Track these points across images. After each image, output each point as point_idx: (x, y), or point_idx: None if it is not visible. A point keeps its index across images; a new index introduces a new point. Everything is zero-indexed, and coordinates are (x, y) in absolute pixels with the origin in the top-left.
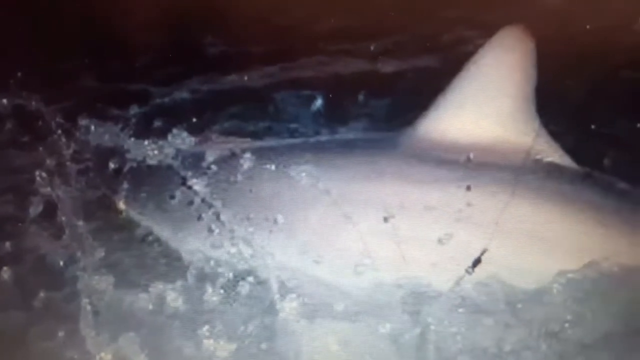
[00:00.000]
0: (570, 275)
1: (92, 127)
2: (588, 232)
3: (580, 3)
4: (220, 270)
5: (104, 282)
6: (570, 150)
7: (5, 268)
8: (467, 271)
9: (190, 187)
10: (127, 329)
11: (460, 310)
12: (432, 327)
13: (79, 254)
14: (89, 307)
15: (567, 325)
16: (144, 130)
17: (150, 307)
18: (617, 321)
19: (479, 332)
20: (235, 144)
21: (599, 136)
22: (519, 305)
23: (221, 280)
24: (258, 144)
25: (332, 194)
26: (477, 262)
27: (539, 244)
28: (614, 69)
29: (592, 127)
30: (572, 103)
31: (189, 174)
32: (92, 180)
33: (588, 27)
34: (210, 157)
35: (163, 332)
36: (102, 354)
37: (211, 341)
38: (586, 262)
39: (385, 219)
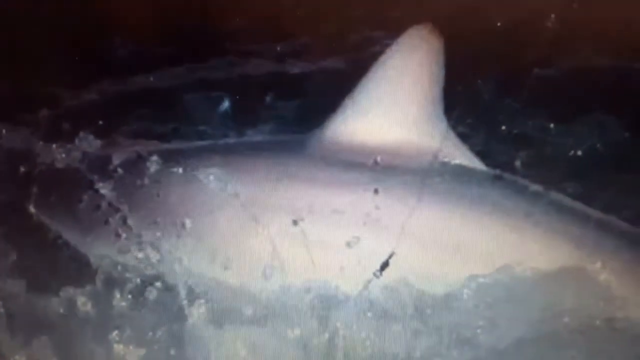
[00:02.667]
0: (481, 280)
1: (3, 131)
2: (498, 236)
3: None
4: (128, 275)
5: (17, 286)
6: (479, 152)
7: None
8: (375, 275)
9: (97, 191)
10: (40, 332)
11: (369, 314)
12: (341, 332)
13: None
14: (2, 311)
15: (478, 331)
16: (53, 134)
17: (62, 311)
18: (530, 327)
19: (388, 338)
20: (142, 146)
21: (510, 137)
22: (428, 311)
23: (129, 286)
24: (165, 146)
25: (240, 197)
26: (384, 265)
27: (448, 248)
28: (525, 68)
29: (503, 128)
30: (482, 103)
31: (96, 177)
32: (3, 184)
33: (499, 24)
34: (116, 160)
35: (75, 336)
36: (16, 357)
37: (121, 346)
38: (497, 267)
39: (294, 222)
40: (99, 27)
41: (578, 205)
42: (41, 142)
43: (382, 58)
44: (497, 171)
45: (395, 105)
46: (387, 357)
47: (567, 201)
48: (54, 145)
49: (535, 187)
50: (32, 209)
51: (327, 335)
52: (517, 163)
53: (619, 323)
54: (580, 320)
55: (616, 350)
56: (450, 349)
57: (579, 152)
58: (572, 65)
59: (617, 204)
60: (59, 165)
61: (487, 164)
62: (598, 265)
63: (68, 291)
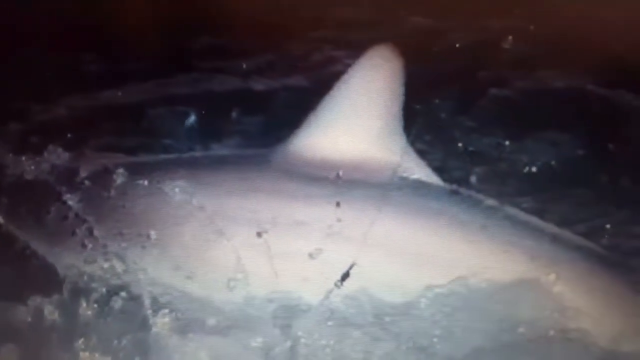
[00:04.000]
0: (437, 290)
1: None
2: (454, 247)
3: (449, 21)
4: (94, 285)
5: None
6: (437, 167)
7: None
8: (336, 285)
9: (65, 202)
10: (7, 340)
11: (330, 323)
12: (303, 340)
13: None
14: None
15: (435, 339)
16: (22, 147)
17: (30, 319)
18: (486, 337)
19: (348, 345)
20: (109, 159)
21: (466, 154)
22: (387, 319)
23: (95, 295)
24: (131, 159)
25: (206, 209)
26: (345, 276)
27: (406, 258)
28: (482, 87)
29: (459, 144)
30: (440, 121)
31: (64, 189)
32: None
33: (457, 45)
34: (83, 172)
35: (41, 344)
36: None
37: (87, 354)
38: (453, 278)
39: (259, 234)
40: (68, 42)
41: (532, 219)
42: (11, 154)
43: (345, 76)
44: (454, 186)
45: (357, 121)
46: None
47: (522, 215)
48: (23, 158)
49: (491, 201)
50: (0, 219)
51: (289, 344)
52: (473, 178)
53: (572, 333)
54: (535, 330)
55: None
56: (408, 356)
57: (533, 169)
58: (527, 85)
59: (571, 218)
60: (28, 176)
61: (444, 179)
62: (552, 277)
63: (36, 300)
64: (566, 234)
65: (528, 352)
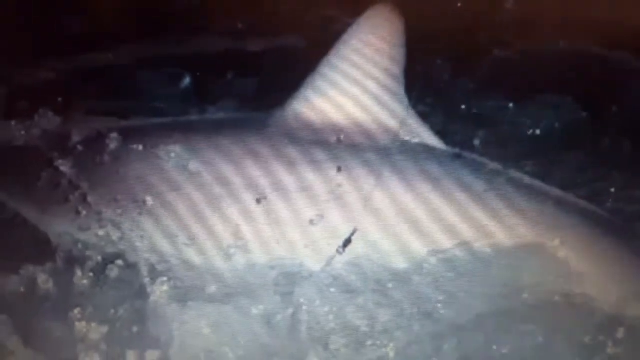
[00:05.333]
0: (440, 255)
1: None
2: (457, 212)
3: None
4: (88, 253)
5: None
6: (439, 131)
7: None
8: (337, 251)
9: (56, 168)
10: None
11: (332, 290)
12: (305, 307)
13: None
14: None
15: (439, 305)
16: (10, 111)
17: (22, 289)
18: (490, 302)
19: (351, 312)
20: (102, 123)
21: (469, 117)
22: (390, 285)
23: (90, 263)
24: (125, 123)
25: (203, 175)
26: (347, 242)
27: (408, 224)
28: (485, 48)
29: (462, 107)
30: (442, 83)
31: (56, 154)
32: None
33: (459, 4)
34: (76, 137)
35: (35, 314)
36: None
37: (83, 324)
38: (456, 243)
39: (258, 201)
40: (51, 3)
41: (536, 183)
42: None
43: (344, 37)
44: (457, 150)
45: (357, 83)
46: (349, 330)
47: (526, 179)
48: (12, 122)
49: (494, 165)
50: None
51: (290, 311)
52: (476, 142)
53: (576, 298)
54: (539, 295)
55: (574, 325)
56: (412, 322)
57: (537, 132)
58: (530, 47)
59: (575, 182)
60: (18, 142)
61: (446, 143)
62: (556, 241)
63: (28, 269)
64: (570, 197)
65: (531, 317)
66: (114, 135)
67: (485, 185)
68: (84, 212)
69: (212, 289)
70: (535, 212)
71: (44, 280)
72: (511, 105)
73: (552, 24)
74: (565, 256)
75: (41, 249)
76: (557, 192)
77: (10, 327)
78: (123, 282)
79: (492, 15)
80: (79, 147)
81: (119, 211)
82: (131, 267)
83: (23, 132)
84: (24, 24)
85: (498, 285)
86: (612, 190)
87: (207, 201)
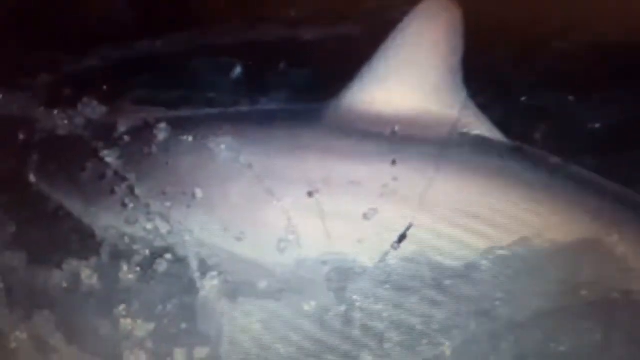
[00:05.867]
0: (499, 252)
1: (0, 96)
2: (517, 208)
3: None
4: (136, 247)
5: (16, 259)
6: (499, 123)
7: None
8: (392, 247)
9: (102, 159)
10: (41, 307)
11: (386, 286)
12: (358, 304)
13: None
14: (0, 285)
15: (497, 303)
16: (53, 100)
17: (65, 284)
18: (548, 299)
19: (406, 309)
20: (149, 113)
21: (530, 108)
22: (447, 282)
23: (137, 258)
24: (173, 113)
25: (254, 168)
26: (402, 237)
27: (467, 219)
28: (545, 39)
29: (523, 99)
30: (502, 74)
31: (101, 145)
32: (1, 152)
33: None
34: (122, 127)
35: (79, 310)
36: (17, 333)
37: (128, 320)
38: (516, 239)
39: (310, 194)
40: None
41: (596, 178)
42: (42, 108)
43: (401, 25)
44: (517, 143)
45: (414, 73)
46: (404, 328)
47: (585, 174)
48: (55, 111)
49: (554, 159)
50: (32, 179)
51: (343, 308)
52: (537, 135)
53: (636, 295)
54: (597, 292)
55: (633, 322)
56: (468, 320)
57: (598, 125)
58: (590, 39)
59: (635, 177)
60: (61, 132)
61: (506, 135)
62: (615, 237)
63: (71, 264)
64: (630, 193)
65: (590, 314)
66: (162, 125)
67: (546, 180)
68: (131, 205)
69: (263, 284)
70: (594, 208)
71: (88, 276)
72: (571, 98)
73: (615, 16)
74: (624, 252)
75: (85, 243)
76: (616, 187)
77: (53, 323)
78: (171, 277)
79: (554, 5)
80: (126, 138)
81: (168, 204)
82: (180, 261)
83: (66, 122)
84: (70, 10)
85: (556, 282)
86: None
87: (258, 194)
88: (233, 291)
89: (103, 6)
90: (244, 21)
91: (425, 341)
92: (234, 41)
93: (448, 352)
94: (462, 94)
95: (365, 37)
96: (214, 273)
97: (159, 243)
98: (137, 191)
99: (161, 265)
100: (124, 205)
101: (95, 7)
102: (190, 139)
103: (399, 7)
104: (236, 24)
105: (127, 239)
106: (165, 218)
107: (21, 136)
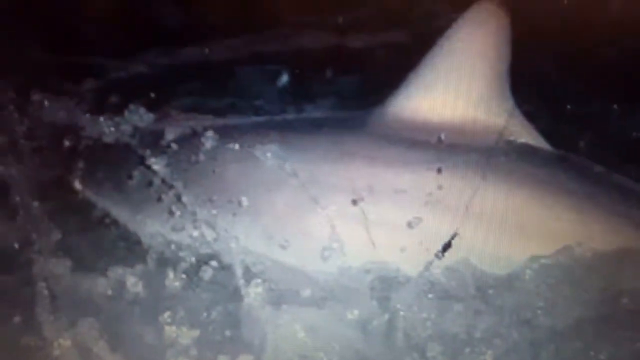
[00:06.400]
0: (542, 260)
1: (46, 102)
2: (561, 217)
3: None
4: (182, 254)
5: (61, 266)
6: (544, 131)
7: None
8: (436, 256)
9: (149, 167)
10: (85, 314)
11: (430, 295)
12: (401, 313)
13: (34, 236)
14: (45, 292)
15: (538, 311)
16: (99, 106)
17: (110, 292)
18: (589, 308)
19: (449, 318)
20: (197, 121)
21: (575, 117)
22: (490, 291)
23: (183, 265)
24: (221, 121)
25: (299, 175)
26: (447, 246)
27: (511, 228)
28: (591, 48)
29: (568, 107)
30: (548, 83)
31: (148, 152)
32: (47, 158)
33: (565, 2)
34: (169, 135)
35: (123, 317)
36: (61, 340)
37: (173, 328)
38: (559, 248)
39: (354, 202)
40: None
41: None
42: (88, 115)
43: (448, 32)
44: (562, 151)
45: (460, 81)
46: (447, 337)
47: (630, 183)
48: (101, 118)
49: (598, 168)
50: (78, 186)
51: (387, 317)
52: (581, 144)
53: None
54: (638, 301)
55: None
56: (510, 329)
57: None
58: (636, 47)
59: None
60: (107, 139)
61: (550, 144)
62: None
63: (116, 271)
64: None
65: (631, 323)
66: (209, 133)
67: (590, 189)
68: (178, 212)
69: (306, 292)
70: (638, 217)
71: (133, 283)
72: (616, 106)
73: None
74: None
75: (131, 250)
76: None
77: (97, 330)
78: (216, 284)
79: (601, 13)
80: (173, 145)
81: (214, 211)
82: (225, 268)
83: (112, 129)
84: (117, 17)
85: (597, 290)
86: None
87: (303, 202)
88: (277, 299)
89: (150, 13)
90: (291, 29)
91: (467, 350)
92: (282, 49)
93: None
94: (509, 102)
95: (412, 45)
96: (258, 280)
97: (204, 250)
98: (184, 199)
99: (206, 273)
100: (171, 213)
101: (142, 14)
102: (237, 146)
103: (446, 15)
104: (284, 31)
105: (173, 246)
106: (211, 225)
107: (67, 143)
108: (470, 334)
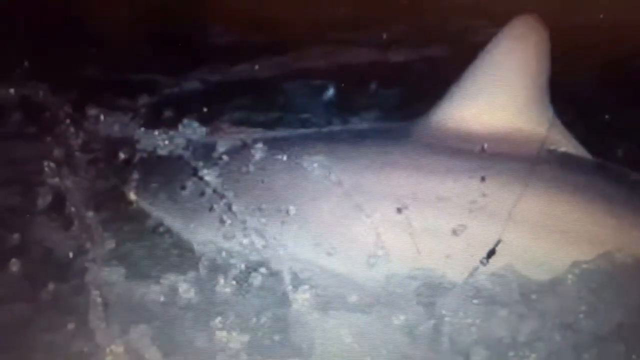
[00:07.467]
0: (584, 266)
1: (101, 117)
2: (600, 222)
3: None
4: (232, 261)
5: (114, 274)
6: (583, 140)
7: (13, 260)
8: (481, 262)
9: (201, 178)
10: (138, 321)
11: (475, 301)
12: (447, 319)
13: (88, 245)
14: (98, 299)
15: (581, 316)
16: (153, 120)
17: (162, 298)
18: (631, 312)
19: (494, 324)
20: (247, 134)
21: (612, 126)
22: (533, 296)
23: (233, 272)
24: (269, 134)
25: (344, 185)
26: (491, 253)
27: (553, 234)
28: (627, 58)
29: (606, 117)
30: (586, 93)
31: (200, 164)
32: (102, 170)
33: (602, 16)
34: (221, 147)
35: (175, 324)
36: (113, 347)
37: (224, 333)
38: (600, 253)
39: (399, 210)
40: (198, 14)
41: None
42: (142, 129)
43: (489, 46)
44: (600, 160)
45: (502, 92)
46: (491, 341)
47: None
48: (155, 132)
49: (635, 175)
50: (132, 197)
51: (432, 322)
52: (619, 152)
53: None
54: None
55: None
56: (553, 333)
57: None
58: None
59: None
60: (161, 152)
61: (589, 153)
62: None
63: (169, 278)
64: None
65: None
66: (259, 145)
67: (628, 196)
68: (229, 221)
69: (353, 298)
70: None
71: (185, 290)
72: None
73: None
74: None
75: (184, 257)
76: None
77: (149, 337)
78: (265, 290)
79: (636, 24)
80: (224, 157)
81: (263, 220)
82: (274, 274)
83: (167, 142)
84: (168, 33)
85: (638, 294)
86: None
87: (348, 210)
88: (324, 304)
89: (202, 31)
90: (335, 45)
91: (511, 354)
92: (327, 64)
93: None
94: (549, 113)
95: (452, 59)
96: (306, 287)
97: (254, 257)
98: (235, 208)
99: (256, 279)
100: (222, 222)
101: (195, 33)
102: (285, 158)
103: (485, 29)
104: (328, 48)
105: (224, 254)
106: (260, 233)
107: (122, 156)
108: (515, 339)
